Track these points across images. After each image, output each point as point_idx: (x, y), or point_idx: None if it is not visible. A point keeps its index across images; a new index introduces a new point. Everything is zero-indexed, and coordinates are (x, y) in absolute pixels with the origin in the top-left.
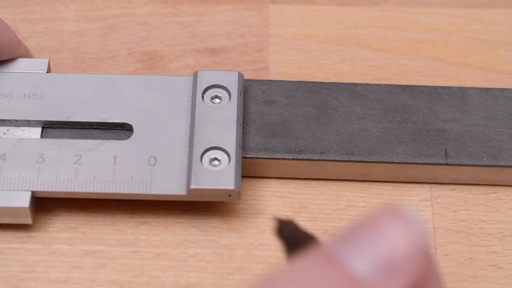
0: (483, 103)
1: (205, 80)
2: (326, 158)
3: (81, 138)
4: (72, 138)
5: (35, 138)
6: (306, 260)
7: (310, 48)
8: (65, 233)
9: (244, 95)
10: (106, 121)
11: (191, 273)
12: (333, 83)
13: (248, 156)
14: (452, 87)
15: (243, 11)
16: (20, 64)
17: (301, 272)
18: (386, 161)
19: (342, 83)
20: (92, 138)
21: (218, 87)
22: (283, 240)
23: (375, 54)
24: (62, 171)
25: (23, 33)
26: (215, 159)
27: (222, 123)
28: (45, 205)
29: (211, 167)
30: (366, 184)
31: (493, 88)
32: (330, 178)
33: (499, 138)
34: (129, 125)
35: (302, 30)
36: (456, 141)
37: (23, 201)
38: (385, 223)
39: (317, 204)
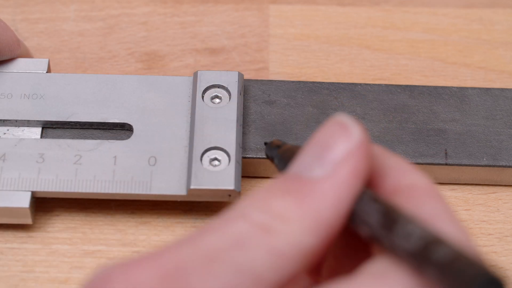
0: (483, 103)
1: (205, 80)
2: None
3: (81, 138)
4: (72, 138)
5: (35, 138)
6: (277, 183)
7: (310, 48)
8: (65, 233)
9: (244, 95)
10: (106, 121)
11: None
12: (333, 83)
13: (248, 156)
14: (452, 87)
15: (243, 11)
16: (20, 64)
17: (272, 191)
18: None
19: (342, 83)
20: (92, 138)
21: (218, 87)
22: (272, 160)
23: (375, 54)
24: (62, 171)
25: (23, 33)
26: (215, 159)
27: (222, 123)
28: (45, 205)
29: (211, 167)
30: None
31: (493, 88)
32: None
33: (499, 138)
34: (129, 125)
35: (302, 30)
36: (456, 141)
37: (23, 201)
38: (330, 135)
39: None
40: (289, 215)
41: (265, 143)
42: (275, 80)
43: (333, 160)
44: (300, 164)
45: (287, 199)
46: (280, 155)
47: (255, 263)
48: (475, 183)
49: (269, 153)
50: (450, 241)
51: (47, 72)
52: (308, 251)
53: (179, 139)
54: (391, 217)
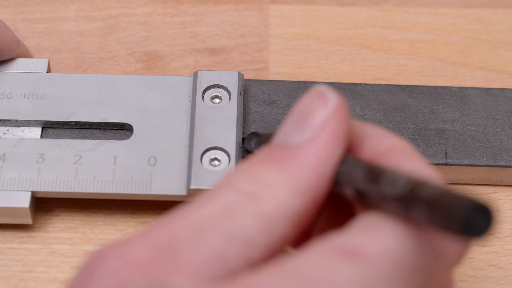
0: (483, 103)
1: (205, 80)
2: None
3: (81, 138)
4: (72, 138)
5: (35, 138)
6: (261, 153)
7: (310, 48)
8: (65, 233)
9: (244, 95)
10: (106, 121)
11: None
12: (333, 83)
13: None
14: (452, 87)
15: (243, 11)
16: (20, 64)
17: (256, 161)
18: None
19: (342, 83)
20: (92, 138)
21: (218, 87)
22: (250, 152)
23: (375, 54)
24: (62, 171)
25: (23, 33)
26: (215, 159)
27: (222, 123)
28: (45, 205)
29: (211, 167)
30: None
31: (493, 88)
32: None
33: (499, 138)
34: (129, 125)
35: (302, 30)
36: (456, 141)
37: (23, 201)
38: (309, 104)
39: None
40: (274, 180)
41: (243, 139)
42: (275, 80)
43: (313, 126)
44: (282, 134)
45: (271, 166)
46: (261, 142)
47: (245, 229)
48: (475, 183)
49: (248, 146)
50: (435, 183)
51: (47, 72)
52: (295, 213)
53: (179, 139)
54: (376, 171)
